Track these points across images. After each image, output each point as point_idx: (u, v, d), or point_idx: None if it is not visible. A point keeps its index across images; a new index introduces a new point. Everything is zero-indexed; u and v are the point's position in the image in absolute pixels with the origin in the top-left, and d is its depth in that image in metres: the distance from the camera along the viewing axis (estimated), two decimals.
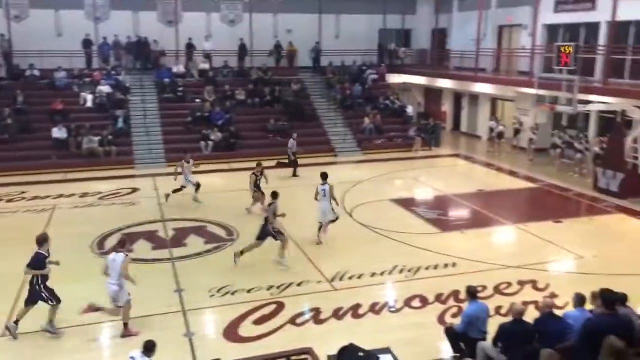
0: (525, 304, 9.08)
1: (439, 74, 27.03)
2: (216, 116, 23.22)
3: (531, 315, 7.60)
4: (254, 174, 15.06)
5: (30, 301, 8.62)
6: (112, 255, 8.81)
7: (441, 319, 9.17)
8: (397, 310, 9.63)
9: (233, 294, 10.14)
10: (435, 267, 11.38)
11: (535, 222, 14.18)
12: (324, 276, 10.97)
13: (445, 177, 19.71)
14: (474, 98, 27.08)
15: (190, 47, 26.51)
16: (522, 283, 10.51)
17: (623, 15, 17.73)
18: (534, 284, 10.52)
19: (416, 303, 9.85)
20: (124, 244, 9.32)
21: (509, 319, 7.37)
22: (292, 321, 9.22)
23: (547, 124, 21.78)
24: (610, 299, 6.55)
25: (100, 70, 25.05)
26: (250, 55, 27.10)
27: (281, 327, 9.04)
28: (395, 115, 25.93)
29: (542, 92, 18.05)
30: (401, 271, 11.22)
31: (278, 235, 11.48)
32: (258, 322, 9.21)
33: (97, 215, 15.17)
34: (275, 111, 24.81)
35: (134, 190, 17.75)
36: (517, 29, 24.51)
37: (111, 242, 12.54)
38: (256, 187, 15.02)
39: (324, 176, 12.95)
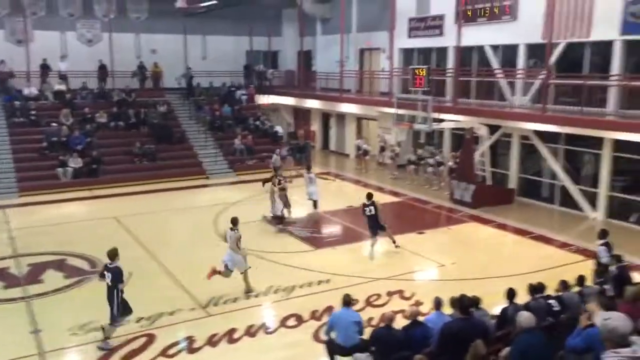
0: (394, 313, 9.55)
1: (306, 95, 27.78)
2: (75, 140, 21.79)
3: (400, 324, 7.99)
4: (272, 182, 16.47)
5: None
6: None
7: (316, 336, 9.31)
8: (273, 331, 9.63)
9: (98, 330, 9.49)
10: (310, 285, 11.55)
11: (401, 234, 14.94)
12: (197, 302, 10.67)
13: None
14: (341, 117, 28.15)
15: (44, 67, 24.71)
16: (390, 293, 11.02)
17: (467, 41, 19.55)
18: (401, 293, 11.08)
19: (292, 322, 9.91)
20: None
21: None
22: (164, 353, 8.84)
23: (408, 141, 23.22)
24: (464, 304, 7.08)
25: None
26: (112, 76, 25.90)
27: None
28: (265, 135, 26.14)
29: (400, 111, 19.23)
30: (276, 291, 11.25)
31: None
32: (126, 357, 8.71)
33: None
34: (141, 134, 23.91)
35: None
36: (376, 52, 25.98)
37: None
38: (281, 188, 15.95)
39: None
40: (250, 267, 11.37)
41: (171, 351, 8.90)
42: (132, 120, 24.28)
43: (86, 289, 11.41)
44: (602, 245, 10.09)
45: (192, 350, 8.96)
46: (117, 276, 8.97)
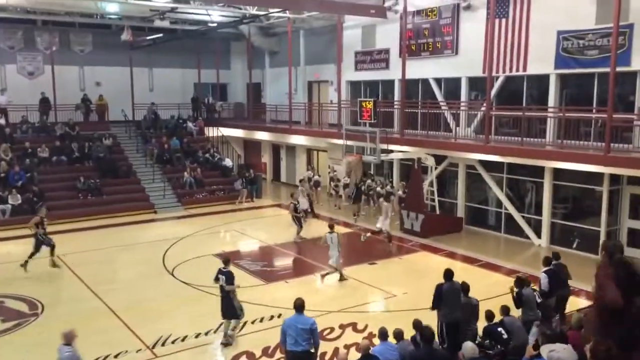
0: (347, 347, 9.49)
1: (256, 127, 27.79)
2: (14, 176, 20.93)
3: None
4: (292, 203, 17.92)
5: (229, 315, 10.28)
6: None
7: None
8: None
9: None
10: (261, 320, 11.35)
11: (353, 265, 14.98)
12: (144, 343, 10.28)
13: (268, 227, 20.02)
14: (291, 149, 28.25)
15: None
16: (343, 326, 10.95)
17: (411, 74, 20.13)
18: (354, 326, 11.02)
19: (243, 359, 9.67)
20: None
21: None
22: None
23: (358, 171, 23.45)
24: (427, 335, 7.14)
25: None
26: (55, 109, 25.20)
27: None
28: (215, 168, 25.88)
29: (349, 143, 19.48)
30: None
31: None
32: None
33: None
34: (86, 168, 23.24)
35: None
36: (324, 84, 26.37)
37: None
38: (296, 212, 17.68)
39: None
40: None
41: None
42: (75, 154, 23.58)
43: (27, 332, 10.83)
44: (544, 272, 10.38)
45: None
46: (230, 279, 10.22)
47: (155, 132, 26.62)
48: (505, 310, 8.95)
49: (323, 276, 13.94)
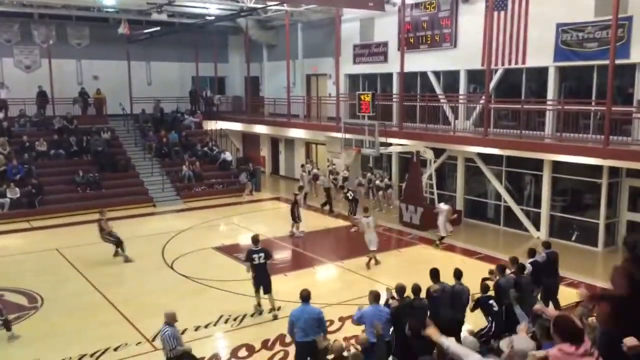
0: (347, 339, 9.51)
1: (254, 120, 27.73)
2: (12, 170, 20.90)
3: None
4: (295, 194, 18.01)
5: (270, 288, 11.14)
6: None
7: None
8: None
9: None
10: (261, 313, 11.36)
11: (352, 258, 14.99)
12: (143, 336, 10.29)
13: (267, 220, 20.04)
14: (290, 142, 28.21)
15: None
16: (342, 319, 10.96)
17: (410, 68, 20.06)
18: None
19: (242, 352, 9.70)
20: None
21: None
22: None
23: (357, 164, 23.47)
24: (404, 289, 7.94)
25: None
26: (53, 103, 25.12)
27: None
28: (213, 161, 25.85)
29: (348, 136, 19.44)
30: (226, 321, 11.00)
31: None
32: None
33: None
34: (84, 162, 23.19)
35: None
36: (322, 77, 26.31)
37: None
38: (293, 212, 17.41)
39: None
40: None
41: None
42: (74, 148, 23.53)
43: (26, 325, 10.83)
44: (529, 263, 10.42)
45: None
46: (268, 254, 11.12)
47: (159, 127, 26.48)
48: (500, 269, 9.30)
49: (369, 261, 14.34)
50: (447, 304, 8.68)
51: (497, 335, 8.17)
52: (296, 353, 8.18)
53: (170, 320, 8.19)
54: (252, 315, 11.23)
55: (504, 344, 5.53)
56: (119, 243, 14.89)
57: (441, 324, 8.18)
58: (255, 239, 11.23)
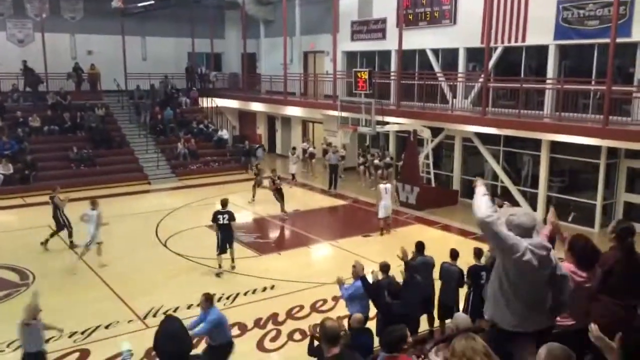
0: (340, 318, 9.41)
1: (251, 98, 27.41)
2: (5, 146, 20.67)
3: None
4: (270, 178, 17.87)
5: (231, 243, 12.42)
6: None
7: (260, 345, 9.08)
8: None
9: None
10: (254, 292, 11.31)
11: (346, 237, 14.92)
12: (135, 314, 10.22)
13: (262, 199, 19.87)
14: (287, 120, 27.95)
15: None
16: (336, 298, 10.88)
17: (408, 45, 19.73)
18: None
19: (235, 331, 9.62)
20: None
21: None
22: None
23: (353, 143, 23.27)
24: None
25: None
26: (46, 78, 24.76)
27: None
28: (209, 139, 25.61)
29: (344, 114, 19.22)
30: (219, 299, 10.90)
31: None
32: None
33: None
34: (78, 138, 22.96)
35: None
36: (320, 54, 25.94)
37: None
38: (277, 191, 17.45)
39: None
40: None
41: None
42: (67, 124, 23.26)
43: (16, 303, 10.71)
44: None
45: None
46: (232, 216, 12.15)
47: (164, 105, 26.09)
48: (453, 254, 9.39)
49: (383, 228, 15.15)
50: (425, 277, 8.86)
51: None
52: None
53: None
54: (217, 276, 12.12)
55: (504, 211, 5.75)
56: (71, 229, 14.09)
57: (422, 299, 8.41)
58: (223, 202, 12.37)
